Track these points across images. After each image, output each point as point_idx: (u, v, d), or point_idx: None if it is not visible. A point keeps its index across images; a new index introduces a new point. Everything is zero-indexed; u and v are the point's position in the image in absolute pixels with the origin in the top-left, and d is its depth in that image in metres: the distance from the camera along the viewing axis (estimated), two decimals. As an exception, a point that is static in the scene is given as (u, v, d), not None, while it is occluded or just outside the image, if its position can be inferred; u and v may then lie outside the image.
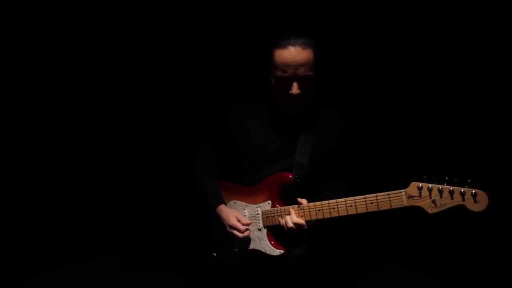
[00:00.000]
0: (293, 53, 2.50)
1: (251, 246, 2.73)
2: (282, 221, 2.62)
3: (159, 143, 4.02)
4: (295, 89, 2.52)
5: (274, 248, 2.68)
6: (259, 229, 2.72)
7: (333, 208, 2.52)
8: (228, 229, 2.70)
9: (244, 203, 2.77)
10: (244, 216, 2.75)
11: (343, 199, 2.51)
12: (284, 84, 2.53)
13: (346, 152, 2.77)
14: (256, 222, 2.73)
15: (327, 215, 2.54)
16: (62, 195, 3.89)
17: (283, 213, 2.64)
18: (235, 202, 2.79)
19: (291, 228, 2.58)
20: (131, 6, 3.67)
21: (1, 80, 3.44)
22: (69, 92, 3.95)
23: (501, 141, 3.92)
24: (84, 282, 3.62)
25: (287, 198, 2.70)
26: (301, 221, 2.57)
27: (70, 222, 4.05)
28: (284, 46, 2.50)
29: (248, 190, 2.78)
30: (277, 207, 2.68)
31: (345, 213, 2.51)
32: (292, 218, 2.58)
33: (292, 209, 2.61)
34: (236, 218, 2.70)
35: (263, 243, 2.71)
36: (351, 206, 2.49)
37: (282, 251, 2.67)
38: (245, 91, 2.80)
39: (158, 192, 4.04)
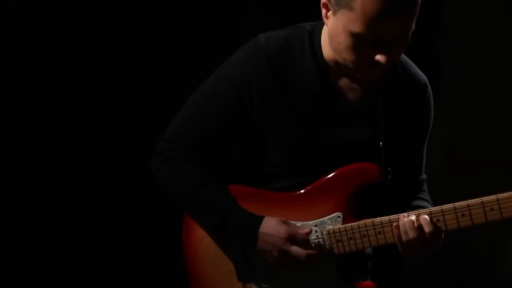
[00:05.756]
0: (403, 22, 1.49)
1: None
2: (404, 227, 1.55)
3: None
4: (383, 57, 1.50)
5: None
6: (323, 262, 1.64)
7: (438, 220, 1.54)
8: (282, 245, 1.61)
9: (288, 221, 1.65)
10: None
11: (451, 206, 1.54)
12: (366, 48, 1.51)
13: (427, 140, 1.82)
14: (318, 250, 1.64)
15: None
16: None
17: (370, 230, 1.59)
18: (265, 216, 1.66)
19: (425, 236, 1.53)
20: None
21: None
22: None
23: None
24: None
25: (364, 207, 1.66)
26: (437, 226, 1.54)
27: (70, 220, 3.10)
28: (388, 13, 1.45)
29: (289, 198, 1.68)
30: (350, 223, 1.62)
31: (456, 226, 1.54)
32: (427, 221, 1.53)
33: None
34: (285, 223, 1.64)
35: (332, 285, 1.64)
36: (463, 215, 1.52)
37: None
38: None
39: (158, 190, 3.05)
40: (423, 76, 1.75)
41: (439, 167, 2.80)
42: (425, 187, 1.83)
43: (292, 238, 1.61)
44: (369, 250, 1.79)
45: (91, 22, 2.66)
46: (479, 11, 2.82)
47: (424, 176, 1.83)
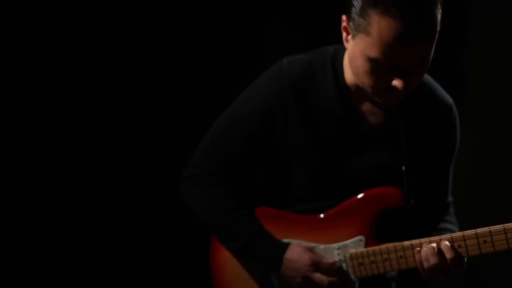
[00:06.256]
0: (421, 48, 1.48)
1: None
2: (425, 253, 1.55)
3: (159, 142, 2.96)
4: (399, 82, 1.49)
5: None
6: (345, 285, 1.66)
7: (459, 246, 1.54)
8: (305, 272, 1.63)
9: (311, 243, 1.68)
10: None
11: (473, 232, 1.53)
12: (383, 73, 1.50)
13: (453, 162, 1.81)
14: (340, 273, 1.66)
15: None
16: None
17: (392, 255, 1.61)
18: (291, 243, 1.69)
19: (446, 263, 1.54)
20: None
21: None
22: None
23: None
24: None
25: (388, 231, 1.67)
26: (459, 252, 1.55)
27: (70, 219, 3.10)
28: (408, 38, 1.44)
29: (313, 221, 1.70)
30: (372, 247, 1.64)
31: (478, 252, 1.54)
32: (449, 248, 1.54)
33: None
34: (310, 250, 1.66)
35: None
36: (485, 241, 1.52)
37: None
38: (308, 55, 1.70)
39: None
40: (448, 98, 1.74)
41: (463, 184, 2.78)
42: (451, 210, 1.83)
43: (316, 265, 1.64)
44: (393, 274, 1.79)
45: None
46: (504, 25, 2.79)
47: (450, 198, 1.83)
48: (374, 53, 1.47)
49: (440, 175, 1.78)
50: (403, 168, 1.66)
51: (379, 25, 1.44)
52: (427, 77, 1.71)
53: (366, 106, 1.67)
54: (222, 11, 2.69)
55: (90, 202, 2.69)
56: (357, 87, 1.63)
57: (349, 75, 1.64)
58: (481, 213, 1.90)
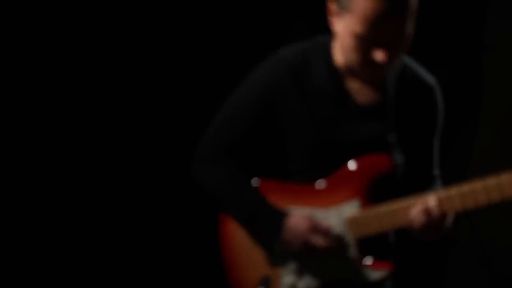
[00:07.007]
0: (398, 22, 1.65)
1: (331, 274, 1.80)
2: (414, 212, 1.69)
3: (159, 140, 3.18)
4: (381, 55, 1.65)
5: (375, 270, 1.76)
6: (343, 245, 1.79)
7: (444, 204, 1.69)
8: (304, 236, 1.76)
9: (309, 209, 1.82)
10: None
11: (457, 189, 1.68)
12: (367, 49, 1.67)
13: (439, 138, 1.94)
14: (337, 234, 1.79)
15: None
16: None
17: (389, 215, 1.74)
18: (294, 210, 1.83)
19: (433, 220, 1.68)
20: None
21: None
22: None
23: None
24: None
25: (379, 196, 1.79)
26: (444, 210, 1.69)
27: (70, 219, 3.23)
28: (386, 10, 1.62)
29: (310, 189, 1.84)
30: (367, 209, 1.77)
31: (461, 208, 1.68)
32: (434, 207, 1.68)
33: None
34: (308, 218, 1.79)
35: (352, 266, 1.77)
36: (468, 198, 1.67)
37: (387, 271, 1.76)
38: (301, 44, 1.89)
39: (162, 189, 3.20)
40: (431, 79, 1.89)
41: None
42: (438, 182, 1.94)
43: (314, 231, 1.77)
44: (391, 239, 1.92)
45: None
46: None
47: (437, 172, 1.95)
48: (358, 28, 1.64)
49: (425, 149, 1.91)
50: (390, 138, 1.80)
51: (361, 1, 1.62)
52: (411, 61, 1.88)
53: (356, 86, 1.83)
54: (247, 12, 2.87)
55: (89, 199, 2.82)
56: (346, 68, 1.80)
57: (338, 58, 1.82)
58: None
